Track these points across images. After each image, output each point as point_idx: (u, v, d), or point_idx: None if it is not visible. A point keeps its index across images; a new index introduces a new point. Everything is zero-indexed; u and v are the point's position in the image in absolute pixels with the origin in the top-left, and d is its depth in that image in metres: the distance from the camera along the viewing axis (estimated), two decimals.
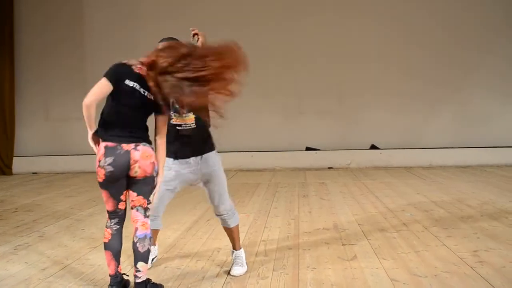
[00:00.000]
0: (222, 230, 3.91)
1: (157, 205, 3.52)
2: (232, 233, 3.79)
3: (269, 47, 9.98)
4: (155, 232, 3.79)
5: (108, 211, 3.20)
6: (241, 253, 3.79)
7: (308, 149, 10.12)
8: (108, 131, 3.07)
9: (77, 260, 4.14)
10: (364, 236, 4.66)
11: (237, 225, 3.80)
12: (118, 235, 3.21)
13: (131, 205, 3.18)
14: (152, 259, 3.88)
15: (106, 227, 3.22)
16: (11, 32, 10.30)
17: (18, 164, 10.29)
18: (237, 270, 3.67)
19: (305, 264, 3.86)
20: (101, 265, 3.98)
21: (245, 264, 3.75)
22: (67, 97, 10.28)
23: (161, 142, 3.21)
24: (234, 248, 3.80)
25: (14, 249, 4.51)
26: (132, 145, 3.05)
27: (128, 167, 3.04)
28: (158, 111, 3.14)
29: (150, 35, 9.51)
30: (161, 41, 3.41)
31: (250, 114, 10.05)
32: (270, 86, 10.02)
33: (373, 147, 10.01)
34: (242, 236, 4.73)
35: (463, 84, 9.85)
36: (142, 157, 3.05)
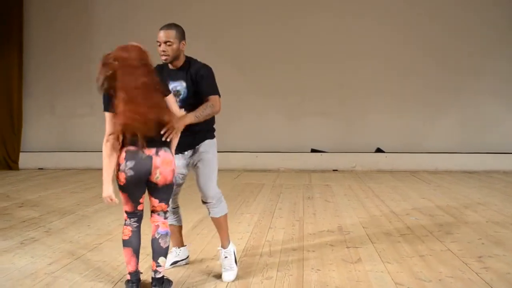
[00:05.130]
0: None
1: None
2: (220, 225, 3.63)
3: (273, 48, 10.01)
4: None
5: (126, 212, 3.23)
6: (229, 252, 3.61)
7: (313, 151, 10.12)
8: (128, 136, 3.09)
9: (83, 256, 4.17)
10: (368, 239, 4.66)
11: (225, 215, 3.64)
12: (138, 232, 3.25)
13: (151, 209, 3.25)
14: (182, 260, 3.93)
15: (125, 225, 3.24)
16: (20, 27, 10.34)
17: (25, 160, 10.33)
18: (227, 276, 3.53)
19: (310, 266, 3.87)
20: (106, 261, 4.02)
21: (234, 266, 3.60)
22: (74, 93, 10.38)
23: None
24: (222, 245, 3.64)
25: (21, 244, 4.55)
26: (153, 150, 3.09)
27: (149, 172, 3.09)
28: None
29: (158, 30, 9.53)
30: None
31: (255, 114, 10.09)
32: (274, 87, 10.05)
33: (378, 150, 10.01)
34: (246, 236, 4.77)
35: (469, 89, 9.84)
36: (163, 163, 3.10)
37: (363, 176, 9.07)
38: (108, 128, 3.05)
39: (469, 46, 9.79)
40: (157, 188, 3.15)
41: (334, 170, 9.88)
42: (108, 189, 3.08)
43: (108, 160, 3.05)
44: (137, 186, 3.13)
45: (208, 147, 3.60)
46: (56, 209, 6.15)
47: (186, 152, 3.57)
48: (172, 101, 3.24)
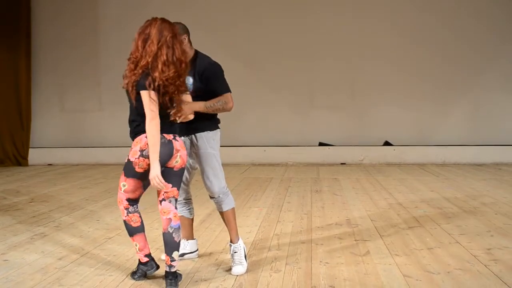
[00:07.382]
0: None
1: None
2: (228, 219, 3.63)
3: (282, 42, 9.99)
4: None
5: (129, 199, 3.31)
6: (239, 247, 3.61)
7: (321, 144, 10.11)
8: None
9: (93, 250, 4.20)
10: (377, 232, 4.67)
11: (233, 209, 3.67)
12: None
13: (163, 196, 3.22)
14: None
15: (130, 212, 3.33)
16: (28, 18, 10.31)
17: (34, 155, 10.39)
18: (236, 270, 3.55)
19: (318, 259, 3.88)
20: (116, 255, 4.05)
21: (244, 261, 3.59)
22: (82, 88, 10.39)
23: None
24: (232, 240, 3.64)
25: (31, 239, 4.59)
26: (171, 136, 3.19)
27: (170, 156, 3.15)
28: None
29: None
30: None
31: (263, 108, 10.08)
32: (283, 81, 10.03)
33: (386, 143, 9.98)
34: (255, 229, 4.78)
35: (477, 83, 9.77)
36: (182, 147, 3.22)
37: (371, 169, 9.06)
38: (152, 106, 3.02)
39: (476, 42, 9.71)
40: (172, 172, 3.20)
41: (342, 164, 9.87)
42: (157, 167, 3.04)
43: (157, 139, 3.03)
44: None
45: (207, 141, 3.57)
46: (66, 204, 6.20)
47: (183, 138, 3.50)
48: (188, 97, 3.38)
